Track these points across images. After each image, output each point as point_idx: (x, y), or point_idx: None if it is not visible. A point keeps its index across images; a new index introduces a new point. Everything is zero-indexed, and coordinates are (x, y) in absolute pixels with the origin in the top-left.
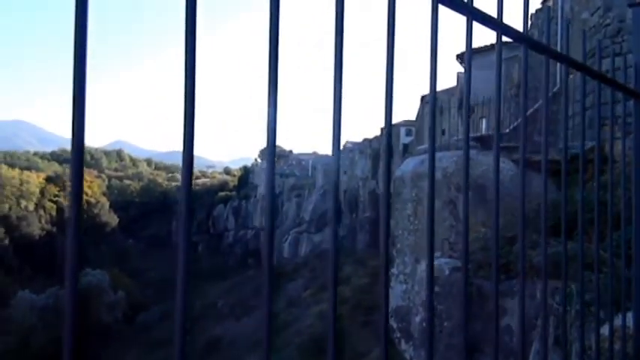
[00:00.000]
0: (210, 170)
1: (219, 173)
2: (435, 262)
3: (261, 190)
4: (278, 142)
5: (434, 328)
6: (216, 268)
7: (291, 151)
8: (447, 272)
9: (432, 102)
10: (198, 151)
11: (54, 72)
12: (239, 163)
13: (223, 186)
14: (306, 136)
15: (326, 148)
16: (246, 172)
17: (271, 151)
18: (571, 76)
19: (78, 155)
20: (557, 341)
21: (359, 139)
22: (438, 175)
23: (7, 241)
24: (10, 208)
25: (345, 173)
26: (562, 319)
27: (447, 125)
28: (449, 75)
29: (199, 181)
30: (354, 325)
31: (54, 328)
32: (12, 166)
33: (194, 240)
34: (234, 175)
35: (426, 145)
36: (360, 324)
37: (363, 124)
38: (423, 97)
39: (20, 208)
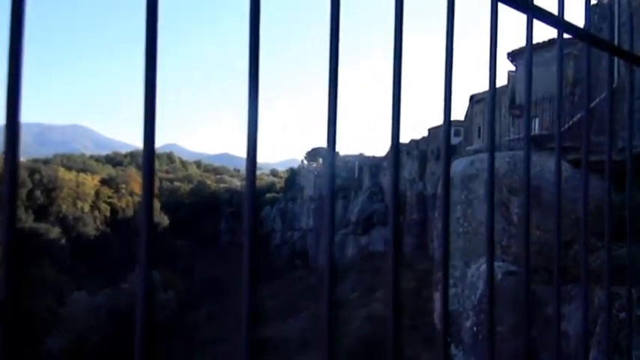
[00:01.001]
0: (258, 172)
1: (266, 175)
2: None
3: (308, 191)
4: (323, 144)
5: (494, 336)
6: (263, 269)
7: (337, 153)
8: (499, 276)
9: (491, 102)
10: (245, 153)
11: (111, 78)
12: (285, 164)
13: (270, 187)
14: (352, 137)
15: (373, 149)
16: (293, 173)
17: (331, 154)
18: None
19: (149, 162)
20: (617, 348)
21: (405, 140)
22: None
23: (63, 241)
24: (67, 209)
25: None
26: (628, 325)
27: (497, 125)
28: (499, 73)
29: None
30: (402, 328)
31: (108, 328)
32: (69, 168)
33: (242, 241)
34: (281, 177)
35: (475, 146)
36: (407, 328)
37: (410, 125)
38: (471, 97)
39: (76, 209)
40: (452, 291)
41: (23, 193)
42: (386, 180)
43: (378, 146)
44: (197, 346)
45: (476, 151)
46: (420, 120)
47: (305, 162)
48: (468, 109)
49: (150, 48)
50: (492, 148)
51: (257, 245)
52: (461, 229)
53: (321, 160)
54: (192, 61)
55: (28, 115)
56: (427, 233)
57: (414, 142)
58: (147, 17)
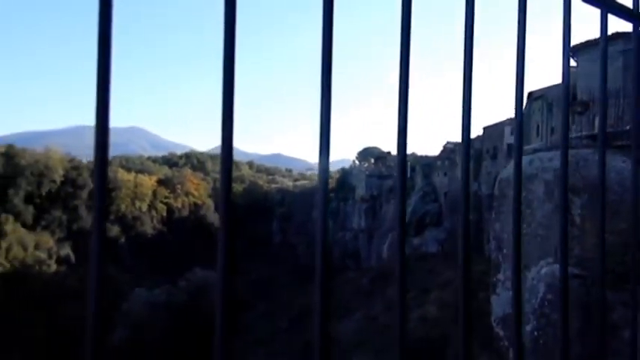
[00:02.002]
0: (309, 172)
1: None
2: (549, 269)
3: (360, 191)
4: (376, 144)
5: (568, 344)
6: (313, 269)
7: (389, 153)
8: None
9: (566, 100)
10: (297, 154)
11: (166, 81)
12: (337, 165)
13: None
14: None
15: (425, 149)
16: (344, 173)
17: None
18: None
19: (226, 166)
20: None
21: (459, 139)
22: (549, 176)
23: (123, 240)
24: (126, 209)
25: (446, 175)
26: None
27: (557, 123)
28: (556, 69)
29: (298, 184)
30: (457, 331)
31: (166, 323)
32: (128, 169)
33: (293, 242)
34: (332, 177)
35: (534, 145)
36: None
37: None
38: (530, 94)
39: (134, 208)
40: (510, 294)
41: (85, 193)
42: (439, 180)
43: (431, 145)
44: (252, 343)
45: (535, 150)
46: (475, 118)
47: (356, 162)
48: (526, 106)
49: (228, 52)
50: (565, 153)
51: (328, 249)
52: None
53: (372, 160)
54: (249, 61)
55: (89, 118)
56: (483, 234)
57: None
58: (225, 19)
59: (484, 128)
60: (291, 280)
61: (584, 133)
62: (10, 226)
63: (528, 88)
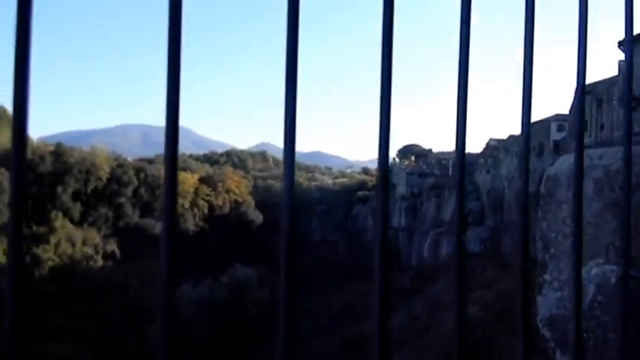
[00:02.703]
0: (349, 170)
1: (358, 173)
2: (599, 270)
3: (400, 189)
4: (416, 141)
5: (628, 347)
6: (356, 267)
7: (430, 150)
8: (612, 280)
9: (628, 96)
10: (337, 151)
11: (207, 80)
12: (376, 163)
13: (362, 185)
14: (445, 133)
15: (468, 146)
16: None
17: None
18: None
19: (289, 168)
20: None
21: (503, 136)
22: (599, 173)
23: None
24: None
25: (489, 172)
26: None
27: (606, 119)
28: (609, 63)
29: (338, 181)
30: (499, 332)
31: (209, 319)
32: None
33: (332, 239)
34: (373, 175)
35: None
36: (506, 331)
37: (508, 119)
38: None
39: (177, 205)
40: (557, 294)
41: (130, 190)
42: (481, 178)
43: (474, 142)
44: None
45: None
46: (519, 113)
47: (397, 160)
48: (574, 101)
49: (291, 55)
50: (629, 151)
51: (386, 248)
52: (567, 230)
53: (413, 158)
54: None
55: (135, 117)
56: (528, 233)
57: (512, 138)
58: (288, 18)
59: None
60: (332, 278)
61: (636, 129)
62: (59, 222)
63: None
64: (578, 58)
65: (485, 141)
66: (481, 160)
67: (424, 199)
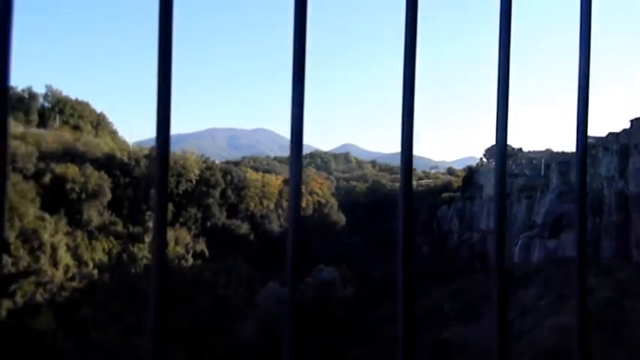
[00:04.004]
0: (433, 171)
1: (443, 174)
2: None
3: (488, 190)
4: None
5: None
6: (440, 270)
7: (520, 149)
8: None
9: None
10: (420, 151)
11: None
12: (463, 163)
13: (447, 187)
14: (538, 131)
15: (562, 145)
16: (471, 172)
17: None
18: None
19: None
20: None
21: (602, 134)
22: None
23: (252, 237)
24: (254, 207)
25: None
26: None
27: None
28: None
29: (422, 182)
30: (597, 342)
31: (296, 319)
32: (256, 169)
33: (417, 241)
34: (458, 176)
35: None
36: (606, 340)
37: (606, 116)
38: None
39: (263, 207)
40: None
41: (217, 192)
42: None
43: (568, 141)
44: (377, 343)
45: None
46: (620, 110)
47: (484, 159)
48: None
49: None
50: None
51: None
52: None
53: None
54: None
55: (222, 121)
56: (629, 237)
57: (612, 136)
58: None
59: (631, 121)
60: (416, 281)
61: None
62: (152, 222)
63: None
64: None
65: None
66: None
67: (514, 200)
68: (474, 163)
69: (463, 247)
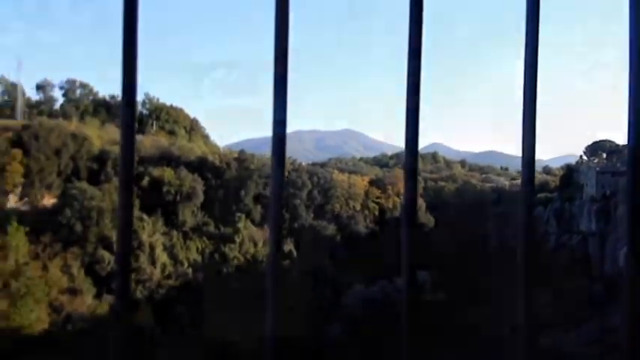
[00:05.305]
0: None
1: (539, 173)
2: None
3: (589, 190)
4: (607, 137)
5: None
6: (537, 273)
7: (625, 146)
8: None
9: None
10: (511, 150)
11: (380, 83)
12: (560, 161)
13: (543, 186)
14: None
15: None
16: (570, 170)
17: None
18: None
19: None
20: None
21: None
22: None
23: (338, 238)
24: (340, 208)
25: None
26: None
27: None
28: None
29: (516, 182)
30: None
31: (380, 320)
32: (341, 170)
33: (511, 244)
34: (556, 175)
35: None
36: None
37: None
38: None
39: (349, 208)
40: None
41: (304, 193)
42: None
43: None
44: (471, 348)
45: None
46: None
47: (585, 158)
48: None
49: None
50: None
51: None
52: None
53: (604, 155)
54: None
55: (308, 123)
56: None
57: None
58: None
59: None
60: (508, 285)
61: None
62: (243, 223)
63: None
64: None
65: None
66: None
67: (619, 200)
68: (573, 161)
69: (561, 249)
